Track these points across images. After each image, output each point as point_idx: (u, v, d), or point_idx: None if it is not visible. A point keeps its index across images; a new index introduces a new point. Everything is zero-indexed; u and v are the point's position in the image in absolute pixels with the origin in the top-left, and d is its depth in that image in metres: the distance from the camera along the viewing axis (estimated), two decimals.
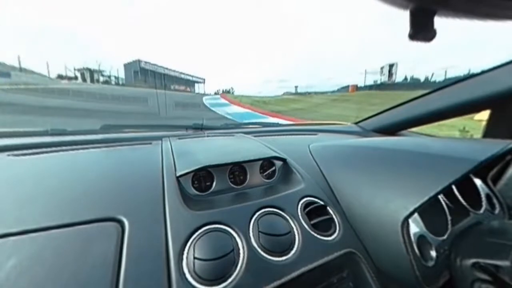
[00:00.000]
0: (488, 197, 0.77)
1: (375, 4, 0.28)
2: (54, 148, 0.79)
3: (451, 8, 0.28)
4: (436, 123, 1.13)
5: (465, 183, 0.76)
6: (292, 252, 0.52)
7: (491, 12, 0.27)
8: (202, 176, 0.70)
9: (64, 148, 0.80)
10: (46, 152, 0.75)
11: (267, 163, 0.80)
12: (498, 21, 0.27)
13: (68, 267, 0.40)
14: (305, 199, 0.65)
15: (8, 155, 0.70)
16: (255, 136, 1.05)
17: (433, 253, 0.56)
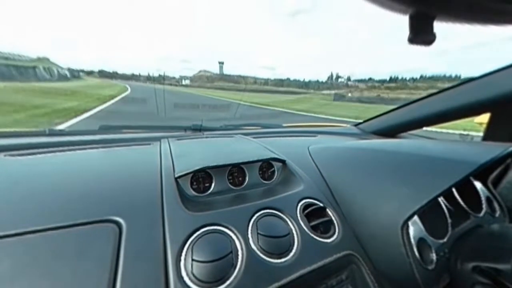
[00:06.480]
0: (488, 200, 0.77)
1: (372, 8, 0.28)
2: (51, 149, 0.78)
3: (451, 13, 0.28)
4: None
5: (465, 186, 0.76)
6: (291, 254, 0.51)
7: (491, 18, 0.27)
8: (201, 177, 0.69)
9: (61, 148, 0.79)
10: (43, 152, 0.75)
11: (266, 164, 0.79)
12: (498, 26, 0.27)
13: (65, 269, 0.39)
14: (304, 200, 0.64)
15: (5, 155, 0.70)
16: (254, 138, 1.04)
17: (433, 256, 0.56)
